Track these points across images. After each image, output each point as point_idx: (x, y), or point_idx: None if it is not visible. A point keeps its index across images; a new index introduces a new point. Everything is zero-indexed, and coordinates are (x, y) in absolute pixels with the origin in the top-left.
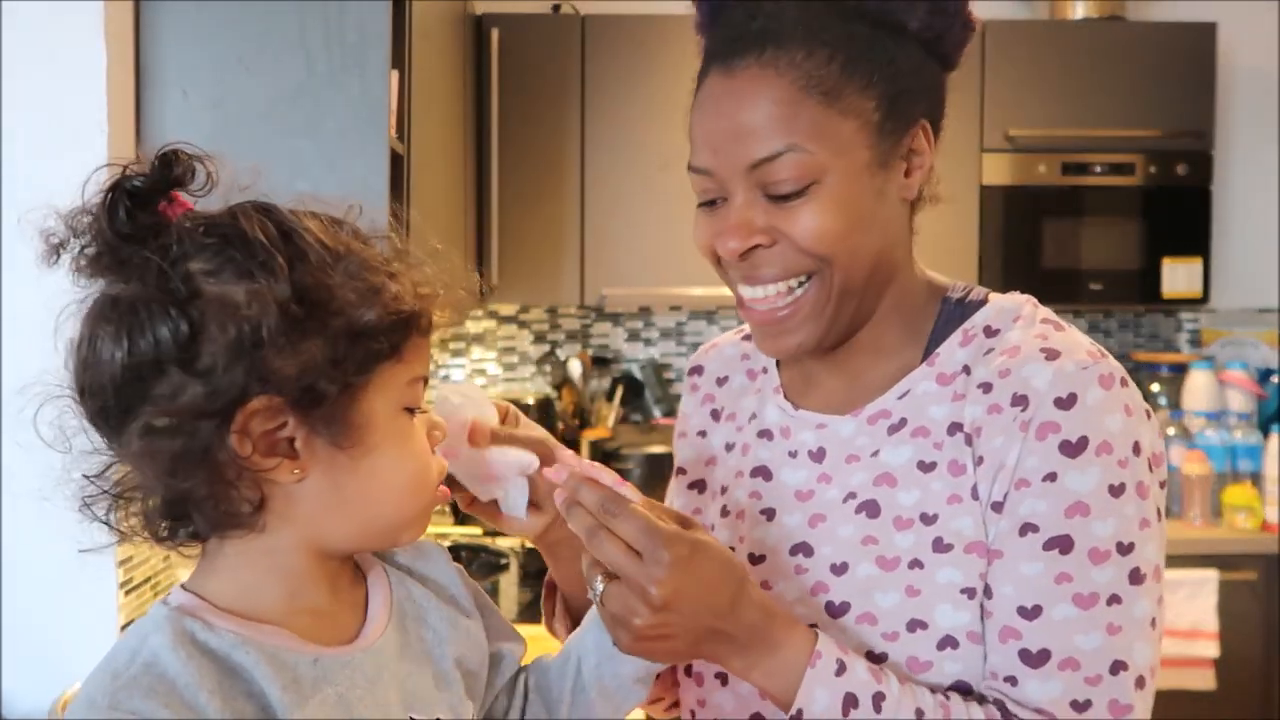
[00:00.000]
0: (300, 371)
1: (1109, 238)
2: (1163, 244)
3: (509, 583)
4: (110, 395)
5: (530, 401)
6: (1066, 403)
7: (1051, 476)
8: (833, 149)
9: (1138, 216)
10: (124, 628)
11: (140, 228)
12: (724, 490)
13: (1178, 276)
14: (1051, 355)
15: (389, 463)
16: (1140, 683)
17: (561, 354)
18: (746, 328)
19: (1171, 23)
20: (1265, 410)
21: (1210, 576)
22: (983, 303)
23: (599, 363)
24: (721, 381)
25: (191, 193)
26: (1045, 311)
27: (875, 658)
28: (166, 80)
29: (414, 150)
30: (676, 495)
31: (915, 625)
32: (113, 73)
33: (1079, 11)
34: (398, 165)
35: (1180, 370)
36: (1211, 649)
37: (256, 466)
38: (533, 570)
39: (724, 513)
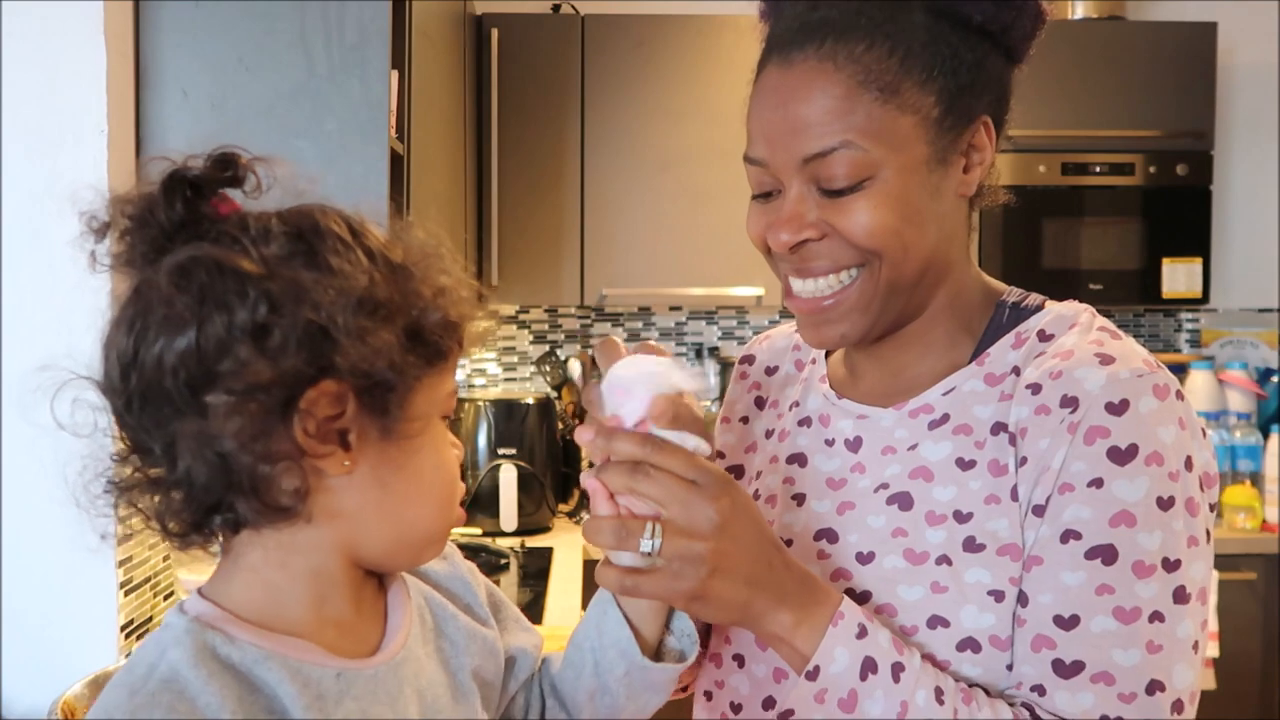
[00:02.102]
0: (370, 361)
1: (1109, 238)
2: (1163, 244)
3: (509, 583)
4: (170, 373)
5: (530, 401)
6: (1118, 408)
7: (1098, 482)
8: (889, 145)
9: (1138, 216)
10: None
11: (196, 217)
12: (759, 475)
13: (1178, 277)
14: (1106, 360)
15: (429, 467)
16: (1178, 707)
17: (561, 354)
18: None
19: (1171, 23)
20: (1265, 410)
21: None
22: (1039, 308)
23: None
24: (770, 371)
25: (246, 194)
26: (1103, 320)
27: None
28: (166, 80)
29: (414, 150)
30: None
31: (936, 622)
32: (113, 73)
33: (1079, 11)
34: (398, 165)
35: (1180, 370)
36: (1211, 649)
37: (312, 452)
38: (533, 570)
39: (756, 496)
